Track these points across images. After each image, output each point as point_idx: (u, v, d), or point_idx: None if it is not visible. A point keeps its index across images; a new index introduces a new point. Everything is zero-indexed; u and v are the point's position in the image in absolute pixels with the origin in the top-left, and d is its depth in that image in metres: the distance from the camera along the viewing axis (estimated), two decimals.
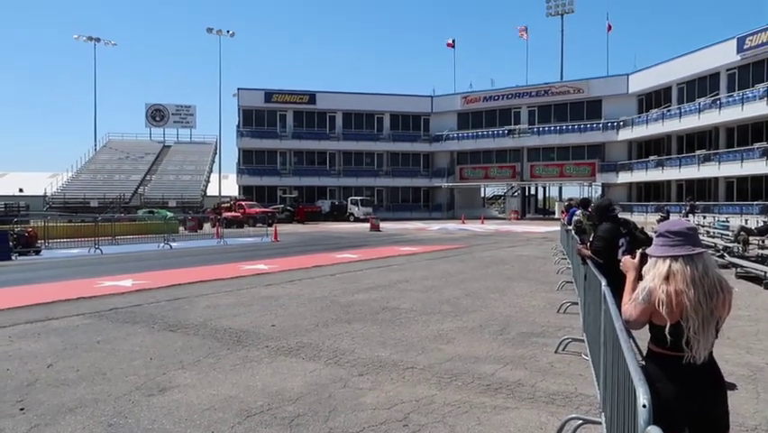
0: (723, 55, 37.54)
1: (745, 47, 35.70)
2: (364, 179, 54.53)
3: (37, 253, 18.34)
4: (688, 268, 2.34)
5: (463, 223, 40.91)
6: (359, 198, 49.13)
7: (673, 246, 2.39)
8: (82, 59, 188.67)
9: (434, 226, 37.16)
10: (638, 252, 2.74)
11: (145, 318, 8.01)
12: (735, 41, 36.54)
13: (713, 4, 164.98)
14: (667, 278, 2.36)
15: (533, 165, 51.56)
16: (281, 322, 7.78)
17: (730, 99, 36.44)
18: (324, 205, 49.30)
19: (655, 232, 2.49)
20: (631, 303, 2.46)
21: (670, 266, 2.37)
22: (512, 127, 51.77)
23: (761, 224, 20.12)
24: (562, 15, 54.55)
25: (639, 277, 2.62)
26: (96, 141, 61.75)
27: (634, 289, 2.57)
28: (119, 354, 6.15)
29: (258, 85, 57.98)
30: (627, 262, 2.75)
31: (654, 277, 2.40)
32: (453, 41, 58.45)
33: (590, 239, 6.16)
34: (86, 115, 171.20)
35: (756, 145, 34.30)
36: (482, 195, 61.99)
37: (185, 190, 49.50)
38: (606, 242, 5.66)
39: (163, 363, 5.76)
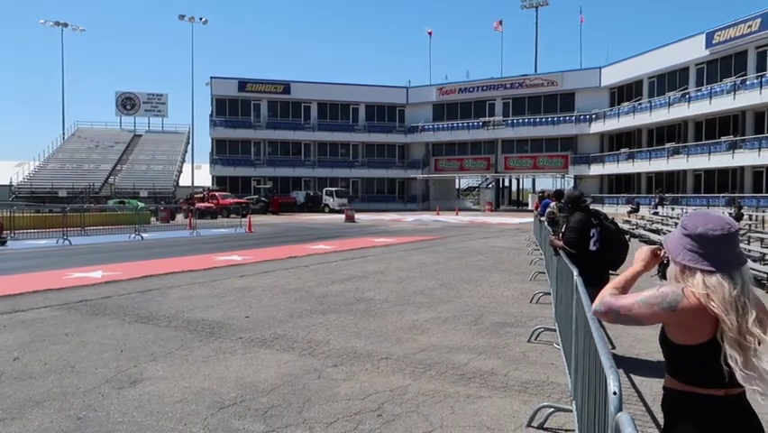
0: (692, 50, 38.28)
1: (714, 42, 36.45)
2: (339, 170, 54.36)
3: (3, 243, 17.89)
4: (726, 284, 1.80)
5: (438, 214, 41.10)
6: (334, 189, 48.89)
7: (705, 257, 1.84)
8: (49, 45, 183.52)
9: (409, 218, 37.26)
10: (652, 249, 2.11)
11: (115, 310, 7.87)
12: (704, 36, 37.28)
13: None
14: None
15: (507, 157, 52.00)
16: (255, 313, 7.72)
17: (699, 94, 37.21)
18: (299, 196, 48.99)
19: (685, 228, 1.89)
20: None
21: (704, 281, 1.82)
22: (487, 119, 52.10)
23: (727, 215, 20.62)
24: (536, 8, 55.03)
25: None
26: (64, 129, 60.32)
27: (633, 279, 2.06)
28: (88, 346, 6.03)
29: (231, 74, 57.11)
30: (644, 253, 2.10)
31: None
32: (430, 31, 58.65)
33: (563, 230, 6.24)
34: (53, 102, 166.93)
35: (723, 139, 35.14)
36: (457, 186, 62.41)
37: (156, 180, 48.62)
38: (578, 232, 5.73)
39: (134, 356, 5.66)
